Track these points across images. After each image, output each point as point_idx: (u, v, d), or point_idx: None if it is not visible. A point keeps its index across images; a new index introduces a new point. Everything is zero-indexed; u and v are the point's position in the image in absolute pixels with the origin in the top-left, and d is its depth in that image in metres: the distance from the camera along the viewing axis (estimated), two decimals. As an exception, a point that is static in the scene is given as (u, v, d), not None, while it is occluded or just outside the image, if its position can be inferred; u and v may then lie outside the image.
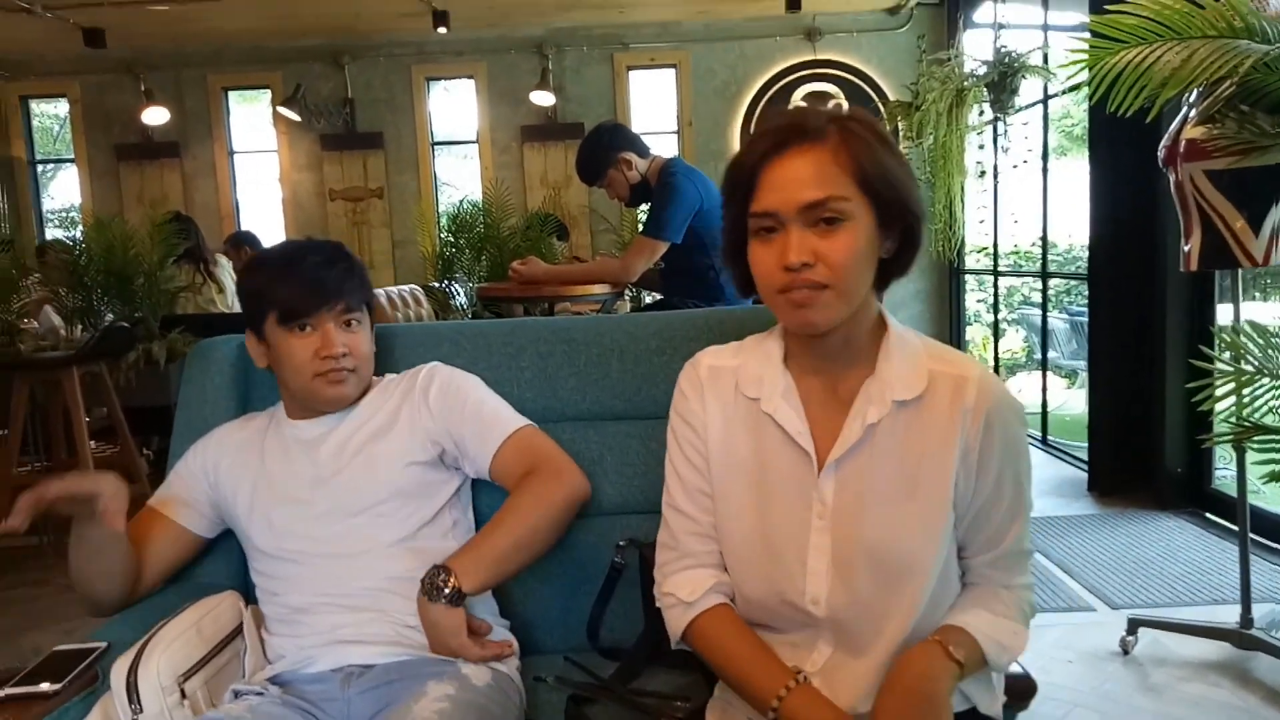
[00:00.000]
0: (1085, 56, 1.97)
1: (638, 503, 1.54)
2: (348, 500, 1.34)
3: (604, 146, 3.10)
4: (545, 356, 1.59)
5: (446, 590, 1.21)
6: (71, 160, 6.94)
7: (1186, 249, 2.28)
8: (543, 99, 6.61)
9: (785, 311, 1.02)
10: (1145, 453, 3.79)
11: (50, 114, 7.59)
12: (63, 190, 7.55)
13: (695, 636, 1.10)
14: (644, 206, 3.22)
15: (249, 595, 1.44)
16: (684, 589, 1.10)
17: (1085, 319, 5.09)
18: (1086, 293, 4.14)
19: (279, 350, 1.36)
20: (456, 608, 1.22)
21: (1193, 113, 2.17)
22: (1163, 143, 2.29)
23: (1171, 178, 2.27)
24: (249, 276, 1.41)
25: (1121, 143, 3.65)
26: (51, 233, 7.09)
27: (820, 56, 6.65)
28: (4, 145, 6.81)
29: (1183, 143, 2.19)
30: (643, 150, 3.13)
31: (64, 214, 7.79)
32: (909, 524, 1.02)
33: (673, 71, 6.80)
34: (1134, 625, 2.55)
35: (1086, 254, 4.08)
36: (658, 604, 1.16)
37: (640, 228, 2.98)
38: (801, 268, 0.98)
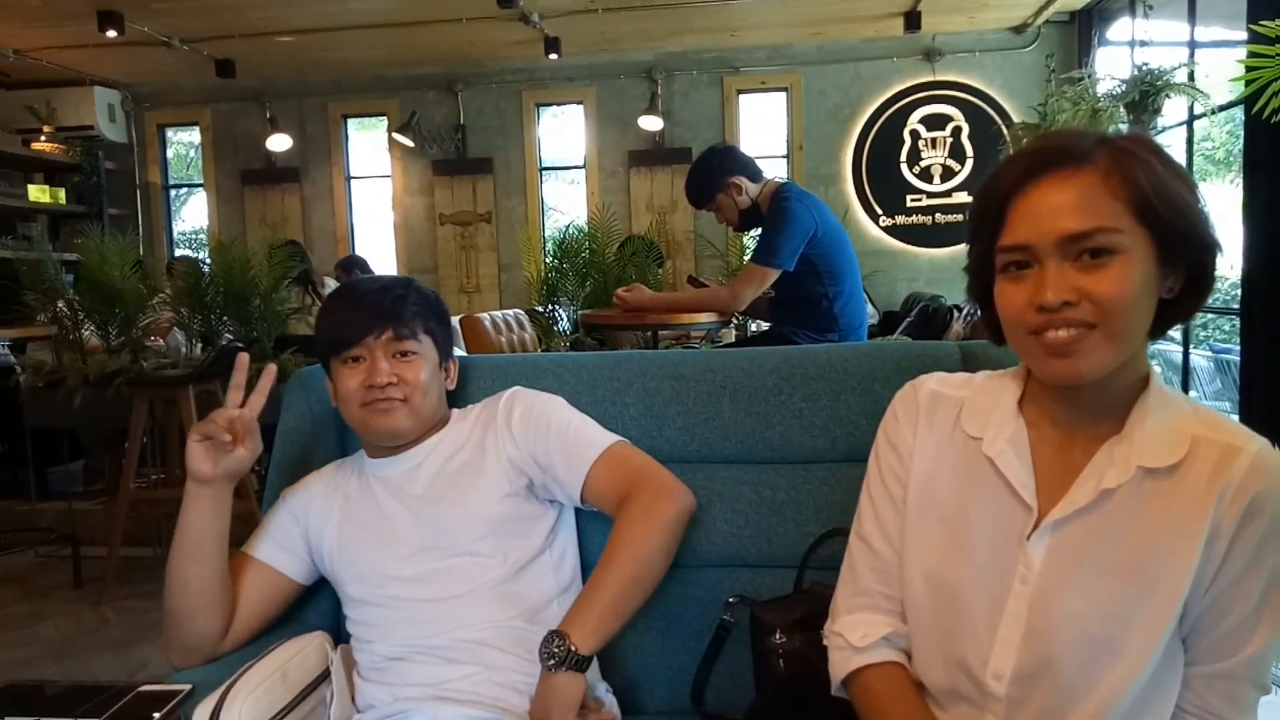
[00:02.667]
0: (1264, 67, 1.76)
1: (749, 555, 1.42)
2: (441, 539, 1.27)
3: (714, 170, 2.98)
4: (652, 393, 1.48)
5: (564, 656, 1.11)
6: (201, 185, 7.28)
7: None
8: (651, 124, 6.58)
9: (1039, 359, 0.89)
10: (1308, 507, 3.41)
11: (185, 141, 8.01)
12: (192, 214, 7.94)
13: (858, 690, 1.00)
14: (754, 232, 3.08)
15: (339, 636, 1.38)
16: (855, 632, 1.01)
17: (1231, 357, 4.69)
18: (1229, 328, 3.79)
19: (335, 383, 1.33)
20: (579, 673, 1.13)
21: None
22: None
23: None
24: (319, 315, 1.38)
25: (1283, 165, 3.32)
26: (181, 254, 7.45)
27: (939, 78, 6.40)
28: (143, 171, 7.20)
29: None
30: (755, 174, 3.00)
31: (193, 236, 8.20)
32: (1125, 608, 0.86)
33: (784, 95, 6.67)
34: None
35: (1229, 285, 3.74)
36: (825, 642, 1.06)
37: (750, 254, 2.85)
38: (1062, 307, 0.84)
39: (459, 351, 1.92)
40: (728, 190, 2.97)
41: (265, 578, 1.32)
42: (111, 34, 5.10)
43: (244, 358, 1.24)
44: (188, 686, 1.18)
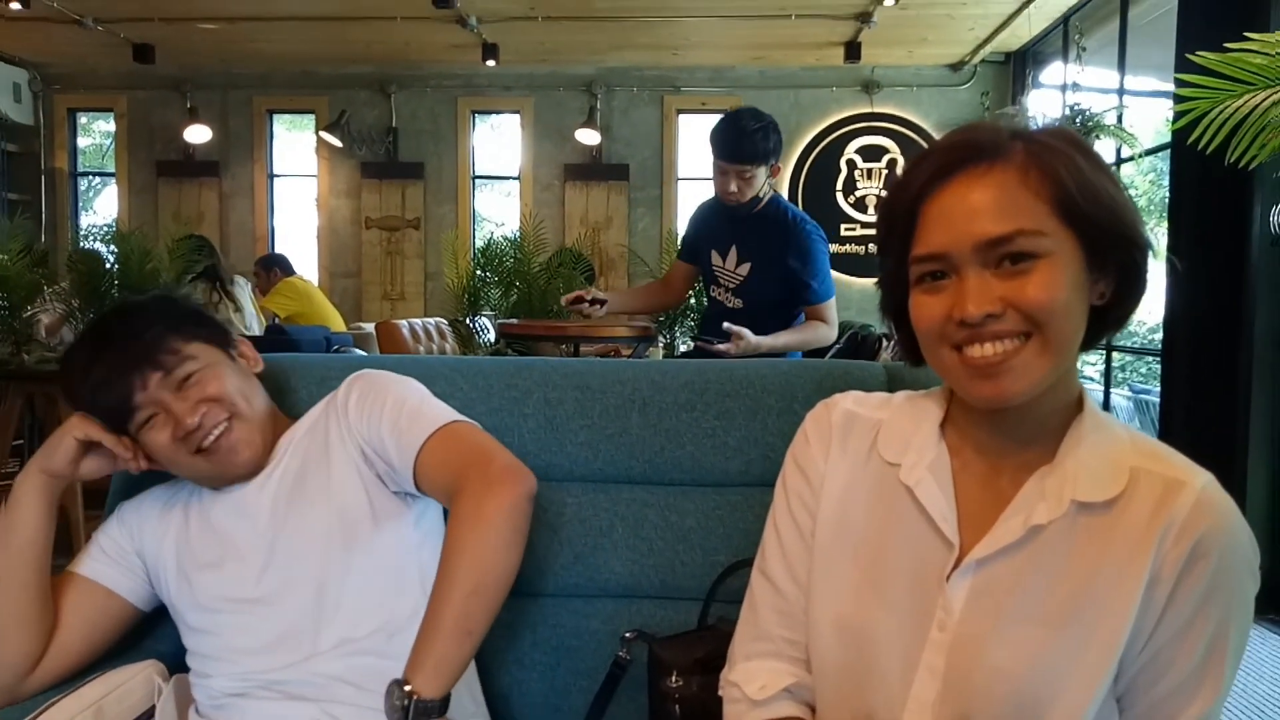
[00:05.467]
0: (1199, 98, 1.73)
1: (651, 586, 1.29)
2: (290, 548, 1.11)
3: (774, 140, 2.54)
4: (554, 404, 1.35)
5: (407, 708, 0.93)
6: (113, 175, 6.92)
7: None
8: (588, 138, 6.49)
9: (963, 380, 0.79)
10: (1221, 550, 3.43)
11: (102, 130, 7.62)
12: (105, 205, 7.54)
13: None
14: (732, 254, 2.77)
15: (177, 666, 1.19)
16: (753, 683, 0.88)
17: (1150, 398, 4.76)
18: (1145, 370, 3.83)
19: (144, 447, 1.12)
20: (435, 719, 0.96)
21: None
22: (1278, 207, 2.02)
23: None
24: (70, 379, 1.14)
25: (1207, 211, 3.37)
26: (89, 247, 7.04)
27: (877, 110, 6.46)
28: (49, 156, 6.82)
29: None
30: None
31: (105, 229, 7.77)
32: (1054, 662, 0.75)
33: (723, 117, 6.64)
34: (1220, 756, 2.20)
35: (1147, 328, 3.79)
36: (720, 692, 0.93)
37: (804, 290, 2.53)
38: (985, 320, 0.74)
39: (360, 351, 1.76)
40: (773, 169, 2.58)
41: (90, 596, 1.13)
42: (15, 6, 4.80)
43: None
44: (-27, 728, 1.01)
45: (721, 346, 2.40)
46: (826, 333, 2.67)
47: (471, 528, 1.02)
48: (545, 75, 6.61)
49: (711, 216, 2.67)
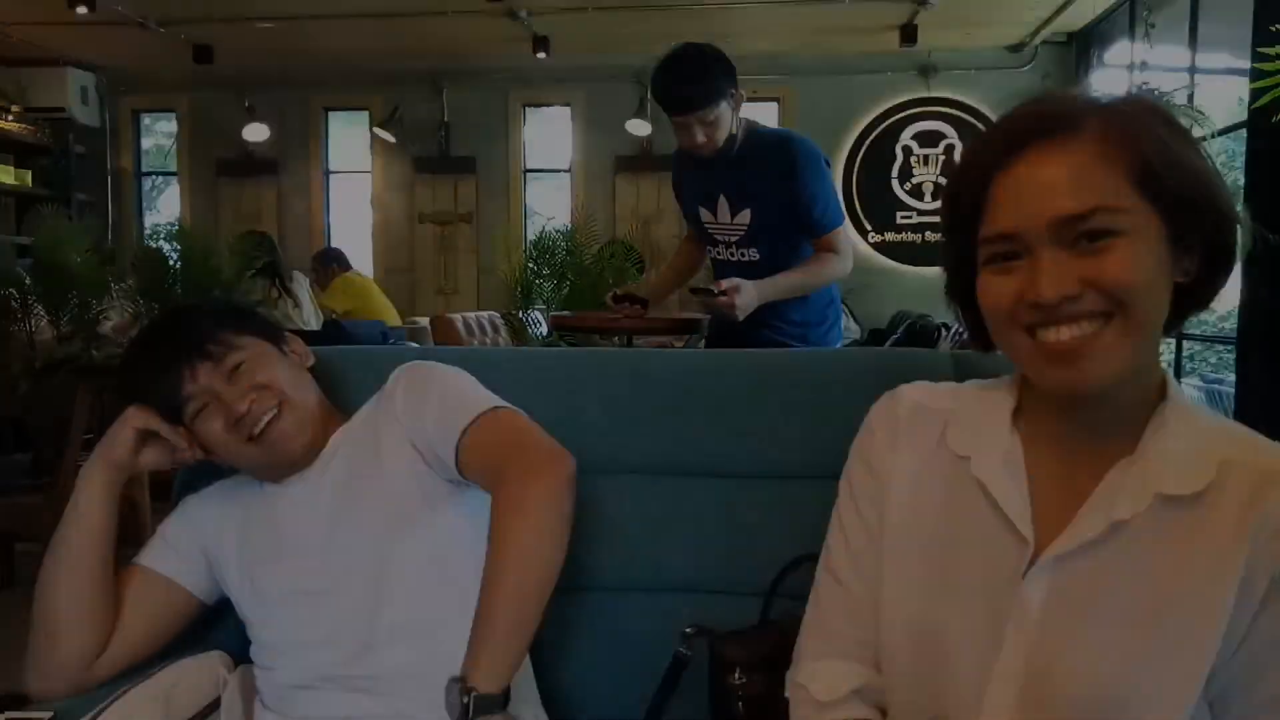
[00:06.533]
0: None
1: (712, 581, 1.27)
2: (345, 538, 1.11)
3: (721, 69, 2.19)
4: (611, 395, 1.33)
5: (468, 705, 0.93)
6: (175, 174, 7.09)
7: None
8: (639, 128, 6.47)
9: (1037, 366, 0.75)
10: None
11: (165, 131, 7.82)
12: (169, 204, 7.75)
13: None
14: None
15: (243, 657, 1.21)
16: (819, 683, 0.85)
17: (1224, 388, 4.60)
18: (1216, 359, 3.69)
19: (196, 437, 1.13)
20: (495, 715, 0.94)
21: None
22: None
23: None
24: (126, 380, 1.17)
25: (1286, 191, 3.23)
26: (153, 245, 7.24)
27: (934, 94, 6.34)
28: (115, 157, 7.01)
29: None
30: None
31: (169, 227, 7.98)
32: (1140, 663, 0.72)
33: (775, 105, 6.57)
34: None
35: (1217, 315, 3.65)
36: (786, 693, 0.90)
37: (806, 221, 2.23)
38: (1061, 302, 0.71)
39: (414, 344, 1.76)
40: (733, 99, 2.22)
41: (153, 588, 1.15)
42: (82, 10, 4.94)
43: None
44: (47, 715, 1.03)
45: (723, 300, 2.15)
46: (837, 265, 2.33)
47: (513, 518, 1.01)
48: (595, 66, 6.60)
49: (689, 168, 2.36)
